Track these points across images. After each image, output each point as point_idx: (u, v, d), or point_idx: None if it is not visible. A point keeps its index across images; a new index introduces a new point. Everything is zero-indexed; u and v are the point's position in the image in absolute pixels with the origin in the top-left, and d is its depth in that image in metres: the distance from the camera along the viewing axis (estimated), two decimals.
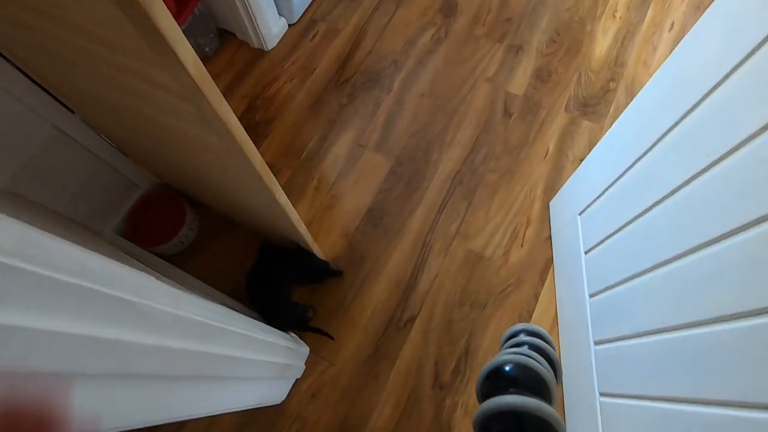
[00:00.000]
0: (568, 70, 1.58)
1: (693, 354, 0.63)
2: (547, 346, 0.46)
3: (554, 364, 0.44)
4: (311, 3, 1.77)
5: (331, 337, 1.23)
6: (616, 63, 1.58)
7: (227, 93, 1.59)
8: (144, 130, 0.91)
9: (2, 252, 0.29)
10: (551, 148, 1.46)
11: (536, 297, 1.27)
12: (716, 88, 0.65)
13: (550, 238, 1.33)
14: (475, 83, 1.58)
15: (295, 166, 1.48)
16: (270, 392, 1.06)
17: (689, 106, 0.70)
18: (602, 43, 1.63)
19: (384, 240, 1.36)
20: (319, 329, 1.23)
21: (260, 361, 0.83)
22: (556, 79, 1.57)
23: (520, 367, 0.40)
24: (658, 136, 0.78)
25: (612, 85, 1.55)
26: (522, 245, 1.33)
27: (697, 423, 0.59)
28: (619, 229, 0.90)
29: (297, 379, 1.20)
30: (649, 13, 1.68)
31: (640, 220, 0.82)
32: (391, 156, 1.48)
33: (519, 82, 1.57)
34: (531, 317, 1.24)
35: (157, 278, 0.50)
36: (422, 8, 1.74)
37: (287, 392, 1.18)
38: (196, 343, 0.57)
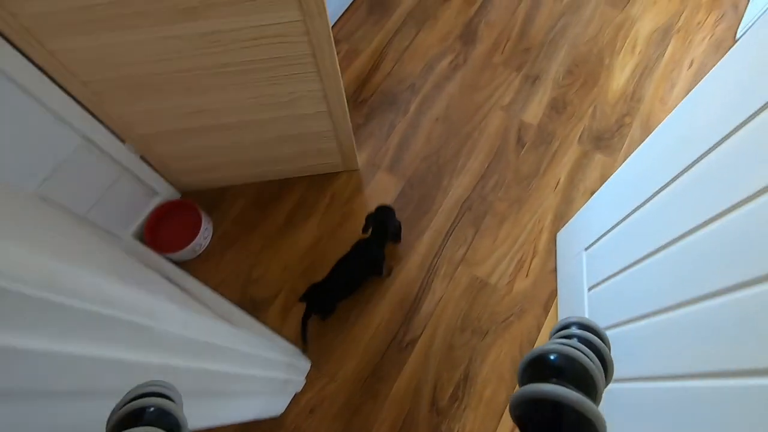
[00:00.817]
0: (584, 103, 1.60)
1: (684, 406, 0.64)
2: (600, 341, 0.42)
3: (605, 362, 0.41)
4: (335, 23, 1.82)
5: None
6: (632, 98, 1.59)
7: None
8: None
9: (33, 285, 0.32)
10: (562, 179, 1.47)
11: (539, 328, 1.27)
12: (722, 143, 0.66)
13: (556, 270, 1.34)
14: (490, 111, 1.61)
15: (309, 182, 1.52)
16: (269, 406, 1.08)
17: (696, 157, 0.71)
18: (619, 78, 1.64)
19: (390, 261, 1.39)
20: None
21: (261, 377, 0.86)
22: (571, 110, 1.59)
23: (567, 358, 0.37)
24: (665, 181, 0.79)
25: (627, 119, 1.56)
26: (527, 275, 1.34)
27: None
28: (622, 270, 0.91)
29: (297, 393, 1.22)
30: (669, 50, 1.68)
31: (643, 264, 0.83)
32: (403, 178, 1.51)
33: (534, 111, 1.59)
34: (532, 347, 1.24)
35: (167, 294, 0.53)
36: (443, 34, 1.78)
37: (286, 405, 1.20)
38: (199, 361, 0.60)
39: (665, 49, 1.68)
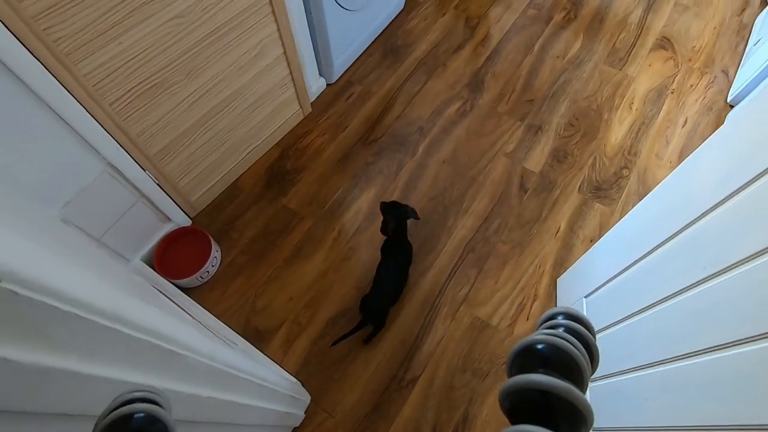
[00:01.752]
0: (584, 154, 1.68)
1: None
2: (586, 331, 0.42)
3: (591, 351, 0.41)
4: (350, 66, 1.92)
5: None
6: (630, 152, 1.68)
7: None
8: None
9: (101, 315, 0.35)
10: (563, 226, 1.53)
11: None
12: (716, 207, 0.71)
13: None
14: (495, 157, 1.68)
15: (318, 216, 1.57)
16: None
17: (692, 219, 0.76)
18: (618, 132, 1.73)
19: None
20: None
21: (265, 409, 0.87)
22: (571, 161, 1.66)
23: (554, 348, 0.37)
24: (662, 239, 0.84)
25: (625, 172, 1.63)
26: (528, 319, 1.37)
27: None
28: (620, 321, 0.94)
29: (295, 429, 1.22)
30: (664, 108, 1.78)
31: (638, 317, 0.87)
32: None
33: (536, 159, 1.67)
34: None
35: (192, 323, 0.56)
36: (451, 82, 1.88)
37: None
38: (221, 392, 0.62)
39: (660, 108, 1.78)
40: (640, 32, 2.01)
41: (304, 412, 1.23)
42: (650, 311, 0.84)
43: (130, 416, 0.35)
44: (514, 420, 0.35)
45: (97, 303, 0.35)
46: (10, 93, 0.86)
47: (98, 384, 0.36)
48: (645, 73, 1.88)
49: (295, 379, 1.20)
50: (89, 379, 0.34)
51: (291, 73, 1.55)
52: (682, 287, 0.74)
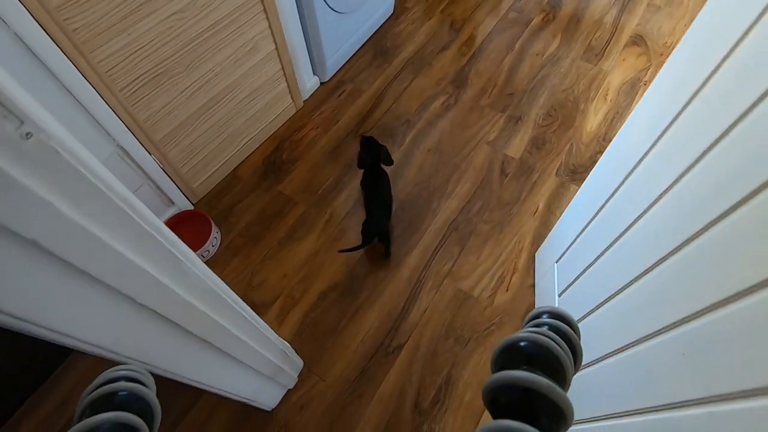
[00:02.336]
0: (561, 141, 1.78)
1: (643, 369, 0.75)
2: (569, 329, 0.43)
3: (575, 349, 0.41)
4: (342, 66, 2.06)
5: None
6: (604, 138, 1.78)
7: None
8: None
9: (115, 194, 0.45)
10: (541, 206, 1.62)
11: None
12: (644, 158, 0.81)
13: (534, 285, 1.45)
14: (477, 145, 1.79)
15: (311, 202, 1.67)
16: (263, 392, 1.16)
17: (628, 172, 0.87)
18: (593, 121, 1.84)
19: (381, 273, 1.50)
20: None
21: (258, 352, 0.96)
22: (549, 147, 1.77)
23: (537, 346, 0.38)
24: (611, 192, 0.94)
25: (599, 157, 1.73)
26: (507, 290, 1.46)
27: None
28: (584, 271, 1.03)
29: (289, 390, 1.30)
30: (637, 99, 1.89)
31: (599, 261, 0.96)
32: (396, 200, 1.66)
33: (516, 147, 1.77)
34: None
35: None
36: (437, 79, 2.00)
37: (278, 400, 1.27)
38: (213, 312, 0.71)
39: (634, 98, 1.89)
40: (615, 31, 2.14)
41: (297, 376, 1.32)
42: (605, 255, 0.93)
43: (113, 394, 0.36)
44: (496, 415, 0.36)
45: (114, 185, 0.45)
46: (36, 76, 0.98)
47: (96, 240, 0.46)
48: (619, 68, 2.00)
49: (286, 342, 1.29)
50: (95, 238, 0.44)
51: (283, 68, 1.68)
52: (627, 224, 0.84)
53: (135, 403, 0.37)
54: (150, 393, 0.39)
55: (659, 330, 0.67)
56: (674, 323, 0.63)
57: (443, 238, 1.57)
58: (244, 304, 0.86)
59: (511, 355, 0.40)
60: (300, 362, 1.32)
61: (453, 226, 1.59)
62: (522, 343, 0.39)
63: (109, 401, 0.36)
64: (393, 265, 1.52)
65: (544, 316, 0.46)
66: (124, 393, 0.37)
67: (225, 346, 0.80)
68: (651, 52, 2.05)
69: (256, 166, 1.77)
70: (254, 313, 0.92)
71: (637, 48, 2.07)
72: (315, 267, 1.53)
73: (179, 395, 1.29)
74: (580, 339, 0.44)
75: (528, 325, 0.46)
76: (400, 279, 1.49)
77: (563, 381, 0.37)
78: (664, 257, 0.69)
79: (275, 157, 1.79)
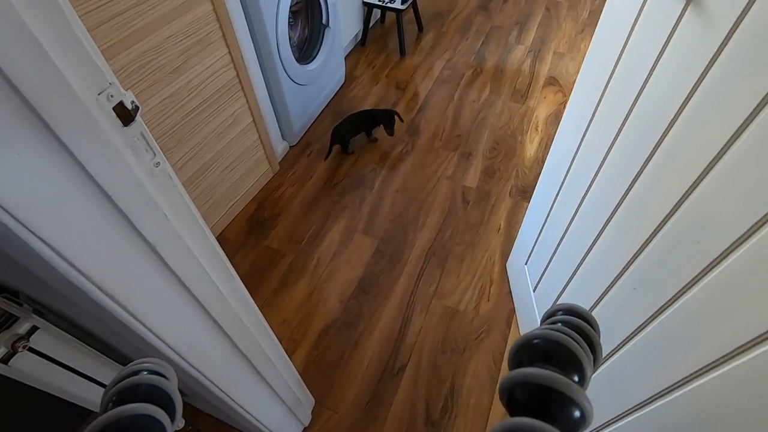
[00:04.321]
0: (508, 168, 2.06)
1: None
2: (586, 325, 0.42)
3: (593, 346, 0.41)
4: (307, 130, 2.28)
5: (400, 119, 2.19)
6: (542, 161, 2.08)
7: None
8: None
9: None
10: (502, 224, 1.85)
11: (505, 340, 1.51)
12: (574, 160, 1.05)
13: (510, 291, 1.63)
14: (438, 181, 2.02)
15: (298, 250, 1.80)
16: (285, 426, 1.21)
17: (561, 181, 1.10)
18: (530, 148, 2.14)
19: (374, 304, 1.63)
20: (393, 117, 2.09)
21: (281, 376, 1.04)
22: (499, 174, 2.04)
23: (551, 342, 0.37)
24: (552, 199, 1.17)
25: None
26: (488, 300, 1.62)
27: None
28: (549, 262, 1.23)
29: (305, 429, 1.34)
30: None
31: (558, 250, 1.16)
32: (376, 237, 1.83)
33: (472, 178, 2.03)
34: (503, 356, 1.46)
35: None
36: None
37: None
38: (252, 326, 0.82)
39: (558, 126, 2.24)
40: (533, 75, 2.55)
41: (311, 413, 1.37)
42: (564, 241, 1.13)
43: (137, 386, 0.37)
44: (514, 412, 0.35)
45: (192, 207, 0.59)
46: None
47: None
48: (542, 104, 2.37)
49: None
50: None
51: (260, 137, 1.88)
52: (571, 214, 1.05)
53: (158, 395, 0.38)
54: (171, 385, 0.39)
55: (613, 280, 0.86)
56: (623, 269, 0.82)
57: (424, 264, 1.73)
58: (268, 327, 0.96)
59: (526, 353, 0.39)
60: (312, 399, 1.38)
61: (431, 253, 1.77)
62: (536, 341, 0.38)
63: (133, 392, 0.37)
64: (383, 295, 1.65)
65: (559, 314, 0.45)
66: (147, 385, 0.38)
67: (259, 363, 0.90)
68: (564, 88, 2.45)
69: (241, 227, 1.89)
70: (275, 338, 1.02)
71: (553, 87, 2.47)
72: (311, 308, 1.62)
73: None
74: (599, 335, 0.43)
75: (545, 323, 0.46)
76: (392, 306, 1.62)
77: (582, 377, 0.36)
78: (599, 232, 0.90)
79: (258, 216, 1.92)
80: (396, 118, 2.10)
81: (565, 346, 0.37)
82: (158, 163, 0.49)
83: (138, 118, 0.45)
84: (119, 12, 1.13)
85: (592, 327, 0.42)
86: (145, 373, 0.40)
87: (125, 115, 0.43)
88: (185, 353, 0.66)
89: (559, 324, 0.41)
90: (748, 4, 0.53)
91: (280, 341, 1.53)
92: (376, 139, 2.22)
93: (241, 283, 0.78)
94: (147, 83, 1.28)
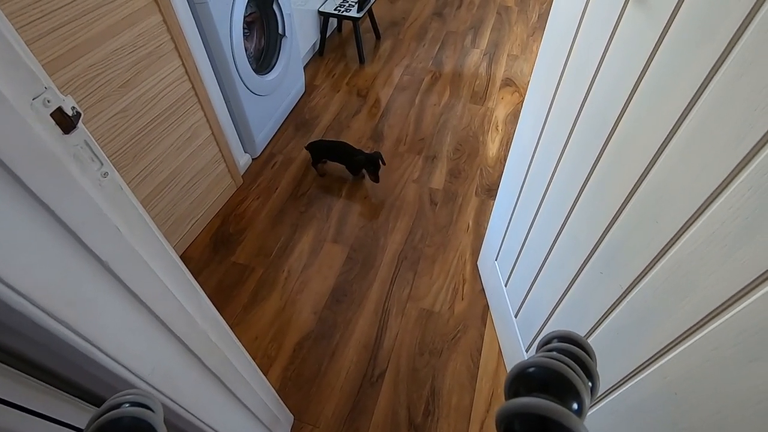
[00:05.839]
0: (472, 168, 2.09)
1: (580, 303, 0.93)
2: (582, 352, 0.41)
3: (590, 373, 0.40)
4: (270, 141, 2.24)
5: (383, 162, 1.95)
6: (504, 159, 2.13)
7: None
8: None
9: None
10: (470, 223, 1.87)
11: (481, 337, 1.52)
12: (532, 163, 1.08)
13: (483, 289, 1.64)
14: (405, 184, 2.03)
15: (267, 264, 1.75)
16: None
17: (524, 177, 1.13)
18: (492, 148, 2.19)
19: (349, 312, 1.60)
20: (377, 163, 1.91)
21: (257, 394, 1.00)
22: (464, 175, 2.07)
23: (546, 370, 0.37)
24: (517, 195, 1.19)
25: None
26: (462, 299, 1.63)
27: None
28: (518, 256, 1.25)
29: None
30: None
31: (525, 243, 1.18)
32: (347, 245, 1.81)
33: (438, 179, 2.05)
34: (480, 354, 1.47)
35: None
36: (357, 137, 2.27)
37: None
38: (222, 344, 0.79)
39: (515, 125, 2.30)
40: (490, 78, 2.62)
41: (290, 431, 1.32)
42: (529, 239, 1.15)
43: (119, 419, 0.36)
44: None
45: (149, 221, 0.56)
46: None
47: None
48: (501, 104, 2.43)
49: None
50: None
51: (220, 150, 1.83)
52: (534, 211, 1.07)
53: (142, 428, 0.37)
54: (156, 417, 0.38)
55: (580, 267, 0.88)
56: (589, 254, 0.84)
57: (396, 268, 1.73)
58: (240, 344, 0.92)
59: (523, 382, 0.38)
60: (290, 416, 1.34)
61: (402, 256, 1.76)
62: (531, 369, 0.38)
63: (113, 427, 0.36)
64: (358, 303, 1.63)
65: (555, 341, 0.44)
66: (131, 418, 0.37)
67: (231, 383, 0.86)
68: (520, 89, 2.53)
69: (205, 244, 1.83)
70: (248, 355, 0.98)
71: (510, 87, 2.54)
72: (284, 322, 1.58)
73: None
74: (596, 363, 0.42)
75: (541, 350, 0.45)
76: (367, 312, 1.60)
77: (580, 406, 0.36)
78: (563, 222, 0.93)
79: (222, 232, 1.86)
80: (380, 162, 1.91)
81: (562, 374, 0.36)
82: (106, 173, 0.46)
83: (80, 125, 0.42)
84: (61, 24, 1.07)
85: (588, 354, 0.41)
86: (127, 405, 0.38)
87: (65, 122, 0.40)
88: (148, 377, 0.62)
89: (555, 352, 0.41)
90: None
91: (254, 358, 1.49)
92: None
93: (207, 299, 0.74)
94: (96, 98, 1.22)
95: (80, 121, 0.42)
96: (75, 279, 0.46)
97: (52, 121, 0.39)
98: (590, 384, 0.39)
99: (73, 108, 0.41)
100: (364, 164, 1.92)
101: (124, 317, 0.54)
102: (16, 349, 0.65)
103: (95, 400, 0.62)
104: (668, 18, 0.59)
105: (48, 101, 0.38)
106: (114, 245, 0.49)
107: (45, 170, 0.39)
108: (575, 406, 0.35)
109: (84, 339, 0.49)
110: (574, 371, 0.37)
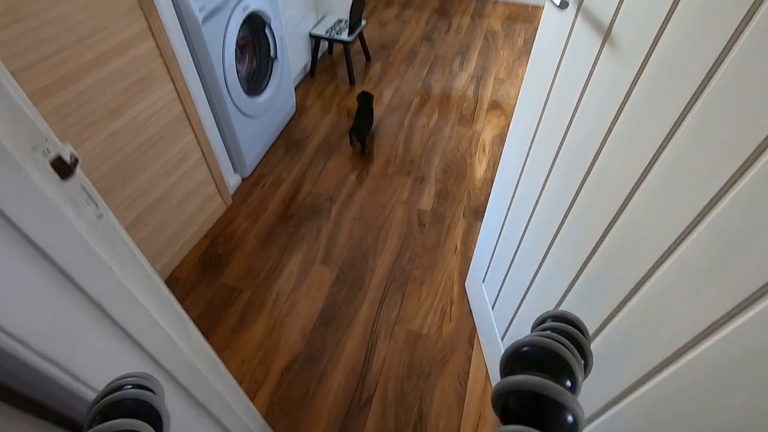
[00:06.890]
0: (460, 190, 2.13)
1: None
2: (576, 330, 0.42)
3: (584, 350, 0.41)
4: (260, 162, 2.26)
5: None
6: (491, 181, 2.17)
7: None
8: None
9: None
10: (458, 244, 1.89)
11: (469, 359, 1.53)
12: (520, 182, 1.11)
13: (471, 311, 1.66)
14: (394, 206, 2.06)
15: (255, 286, 1.75)
16: None
17: (510, 200, 1.16)
18: (480, 170, 2.24)
19: (337, 335, 1.60)
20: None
21: (245, 424, 1.00)
22: (452, 197, 2.10)
23: (539, 349, 0.37)
24: (504, 216, 1.22)
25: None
26: (450, 320, 1.64)
27: None
28: (504, 278, 1.27)
29: None
30: None
31: (513, 264, 1.21)
32: (335, 267, 1.81)
33: (426, 201, 2.08)
34: (468, 376, 1.48)
35: None
36: (347, 158, 2.30)
37: None
38: (209, 374, 0.79)
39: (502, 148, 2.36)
40: (477, 101, 2.68)
41: None
42: (515, 262, 1.18)
43: (122, 401, 0.36)
44: (507, 420, 0.35)
45: (141, 258, 0.57)
46: None
47: None
48: (488, 127, 2.49)
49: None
50: None
51: (210, 171, 1.84)
52: (519, 238, 1.10)
53: (144, 410, 0.37)
54: (158, 399, 0.38)
55: (564, 292, 0.90)
56: (572, 281, 0.87)
57: (385, 290, 1.74)
58: (227, 372, 0.92)
59: (518, 361, 0.39)
60: None
61: (391, 278, 1.78)
62: (525, 348, 0.39)
63: (116, 409, 0.36)
64: (346, 325, 1.63)
65: (549, 320, 0.44)
66: (133, 399, 0.37)
67: (218, 411, 0.85)
68: (507, 112, 2.59)
69: (193, 265, 1.82)
70: (236, 383, 0.98)
71: (497, 110, 2.61)
72: (272, 345, 1.57)
73: None
74: (589, 341, 0.42)
75: (535, 330, 0.45)
76: (355, 335, 1.60)
77: (573, 383, 0.36)
78: (548, 247, 0.95)
79: (211, 253, 1.86)
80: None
81: (556, 352, 0.37)
82: (101, 215, 0.48)
83: (78, 170, 0.43)
84: (53, 53, 1.09)
85: (581, 332, 0.42)
86: (129, 387, 0.38)
87: (64, 169, 0.41)
88: None
89: (549, 331, 0.41)
90: (654, 40, 0.60)
91: (241, 383, 1.48)
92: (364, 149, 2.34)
93: (195, 328, 0.75)
94: (86, 123, 1.23)
95: (78, 166, 0.43)
96: (68, 319, 0.47)
97: (51, 169, 0.40)
98: (583, 362, 0.40)
99: (71, 155, 0.42)
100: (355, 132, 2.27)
101: (114, 353, 0.55)
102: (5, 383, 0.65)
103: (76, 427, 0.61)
104: (641, 62, 0.63)
105: (47, 151, 0.39)
106: (106, 284, 0.50)
107: (42, 217, 0.40)
108: (569, 383, 0.36)
109: (75, 378, 0.50)
110: (567, 349, 0.37)
